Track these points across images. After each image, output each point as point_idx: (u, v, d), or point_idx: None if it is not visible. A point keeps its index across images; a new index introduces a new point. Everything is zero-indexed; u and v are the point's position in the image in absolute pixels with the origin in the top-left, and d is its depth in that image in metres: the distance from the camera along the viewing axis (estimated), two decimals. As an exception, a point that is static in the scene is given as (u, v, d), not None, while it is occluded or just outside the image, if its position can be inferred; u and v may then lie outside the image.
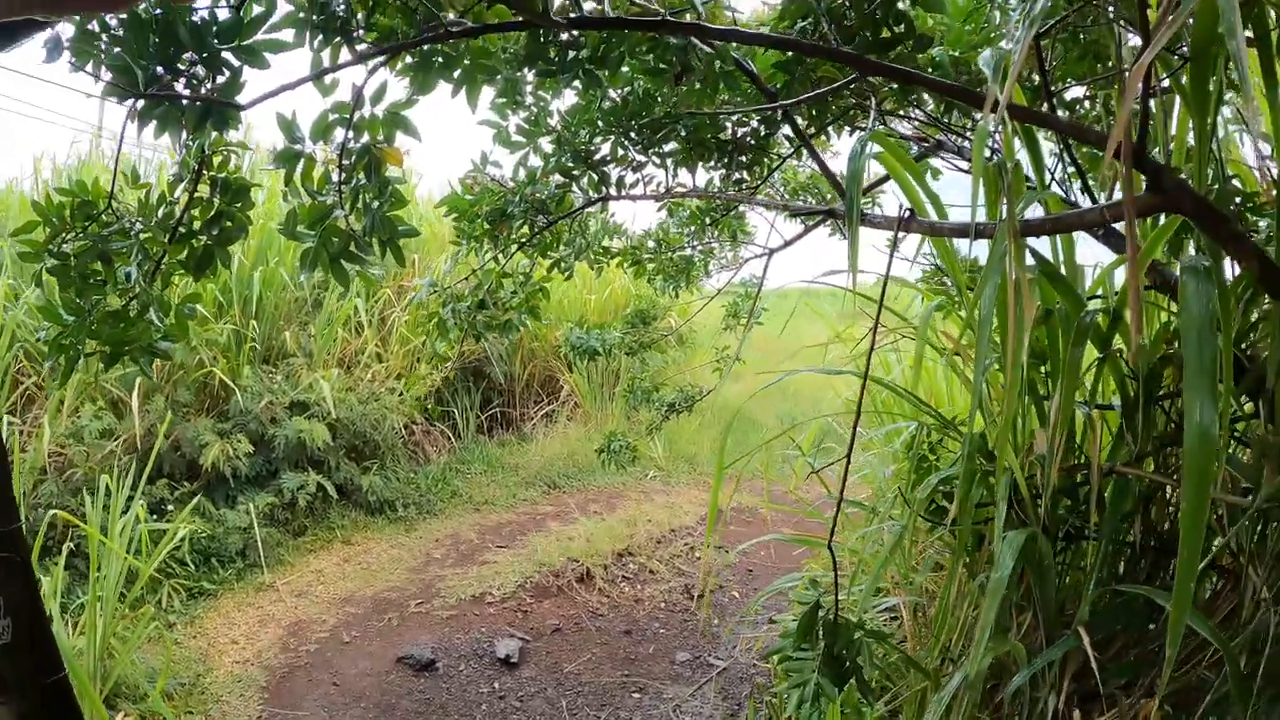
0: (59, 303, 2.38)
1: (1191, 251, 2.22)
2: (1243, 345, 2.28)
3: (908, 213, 2.27)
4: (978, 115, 2.31)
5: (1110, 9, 1.97)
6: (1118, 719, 2.04)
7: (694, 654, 5.02)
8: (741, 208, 4.29)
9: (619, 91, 3.12)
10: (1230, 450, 2.45)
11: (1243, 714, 1.69)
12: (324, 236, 2.46)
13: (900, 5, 2.11)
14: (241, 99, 2.11)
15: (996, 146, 2.50)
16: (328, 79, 2.29)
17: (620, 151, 3.37)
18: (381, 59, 2.27)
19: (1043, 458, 2.37)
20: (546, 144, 3.37)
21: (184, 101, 2.09)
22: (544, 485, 8.02)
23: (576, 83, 2.84)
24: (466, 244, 3.49)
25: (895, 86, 2.88)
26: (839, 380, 7.03)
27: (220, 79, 2.06)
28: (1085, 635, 1.97)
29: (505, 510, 7.38)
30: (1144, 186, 1.63)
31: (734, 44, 2.38)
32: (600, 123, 3.24)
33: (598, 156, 3.39)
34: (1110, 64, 2.53)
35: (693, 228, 4.40)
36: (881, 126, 3.68)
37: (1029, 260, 2.23)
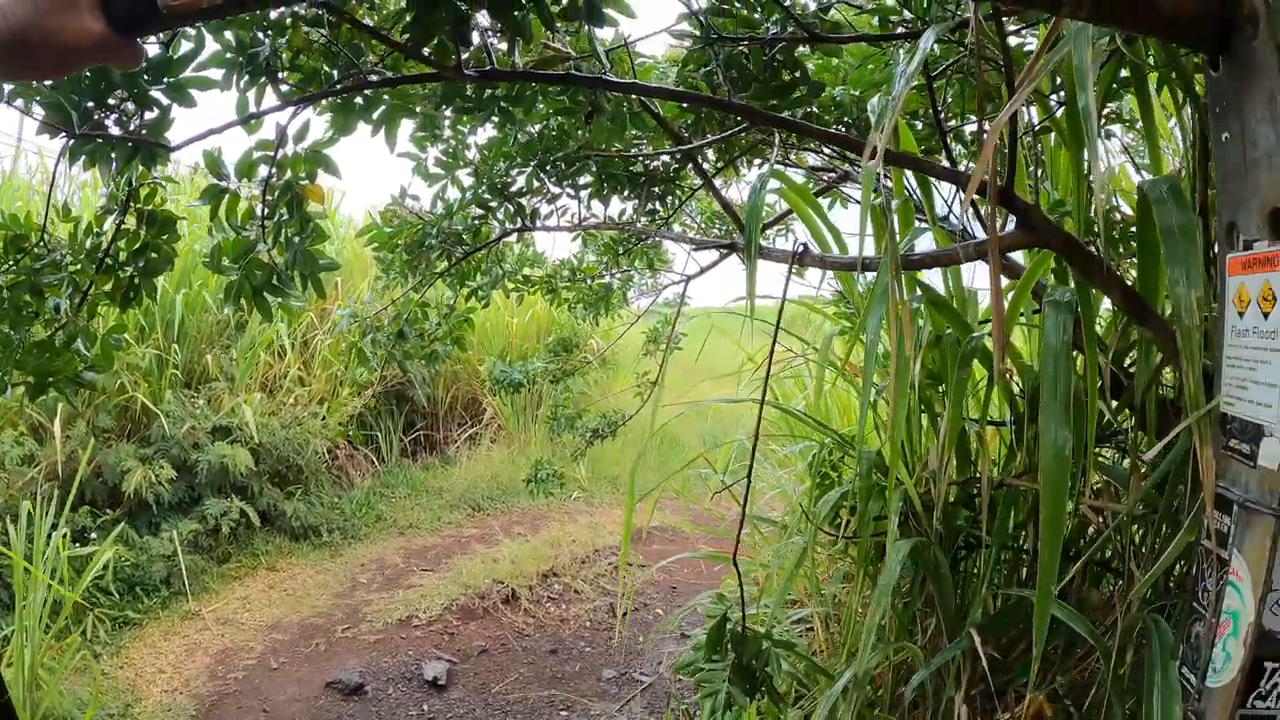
0: (-15, 333, 2.37)
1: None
2: (1124, 363, 2.45)
3: (801, 248, 2.41)
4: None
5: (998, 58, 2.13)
6: (1013, 715, 2.16)
7: (620, 671, 5.08)
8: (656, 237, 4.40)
9: (535, 127, 3.17)
10: (1114, 461, 2.64)
11: (1119, 705, 1.82)
12: (247, 270, 2.51)
13: (799, 51, 2.25)
14: (170, 135, 2.13)
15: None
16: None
17: (535, 184, 3.44)
18: (305, 104, 2.31)
19: (935, 472, 2.51)
20: (464, 176, 3.43)
21: (115, 139, 2.10)
22: (468, 508, 7.99)
23: (494, 118, 2.93)
24: (388, 275, 3.53)
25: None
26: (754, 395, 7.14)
27: (149, 115, 2.09)
28: (976, 636, 2.10)
29: (430, 534, 7.34)
30: (1015, 224, 1.78)
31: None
32: (517, 156, 3.30)
33: (514, 188, 3.46)
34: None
35: (606, 258, 4.49)
36: (793, 157, 3.84)
37: (917, 290, 2.38)
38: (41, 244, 2.42)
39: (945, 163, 2.35)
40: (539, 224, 3.64)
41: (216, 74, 2.09)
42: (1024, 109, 2.47)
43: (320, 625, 5.50)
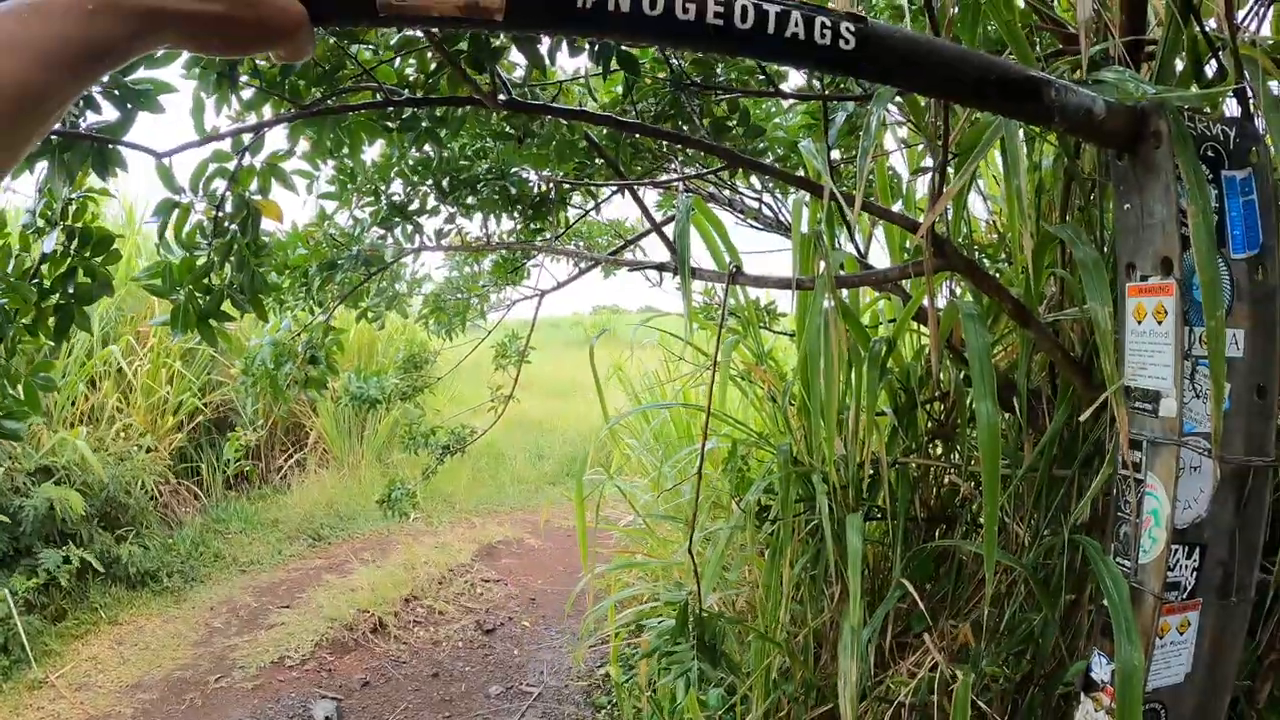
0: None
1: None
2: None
3: (734, 269, 2.93)
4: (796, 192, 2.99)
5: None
6: (936, 647, 2.74)
7: (505, 685, 5.42)
8: (541, 256, 4.75)
9: (433, 148, 3.34)
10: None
11: (1051, 614, 2.42)
12: (190, 294, 2.55)
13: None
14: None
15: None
16: (208, 125, 2.36)
17: (432, 203, 3.75)
18: (289, 120, 2.46)
19: (842, 458, 3.10)
20: (359, 195, 3.66)
21: (89, 143, 2.08)
22: (308, 538, 8.04)
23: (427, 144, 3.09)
24: (300, 300, 3.74)
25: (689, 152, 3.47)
26: (591, 408, 7.34)
27: (106, 117, 2.09)
28: (909, 584, 2.67)
29: (274, 568, 7.35)
30: (934, 253, 2.39)
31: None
32: (413, 175, 3.58)
33: (411, 208, 3.75)
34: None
35: (496, 276, 4.82)
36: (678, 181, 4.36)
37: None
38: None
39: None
40: (442, 243, 3.97)
41: (163, 74, 2.08)
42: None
43: (189, 679, 5.45)
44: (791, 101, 2.94)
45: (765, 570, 3.35)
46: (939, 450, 3.23)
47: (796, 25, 1.16)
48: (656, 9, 1.08)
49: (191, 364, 8.32)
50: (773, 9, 1.13)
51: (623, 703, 4.56)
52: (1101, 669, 1.60)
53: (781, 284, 2.78)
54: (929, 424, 3.23)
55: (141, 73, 2.04)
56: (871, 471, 3.13)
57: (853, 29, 1.20)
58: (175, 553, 7.06)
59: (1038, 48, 2.22)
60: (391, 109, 2.56)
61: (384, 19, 0.96)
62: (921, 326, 3.26)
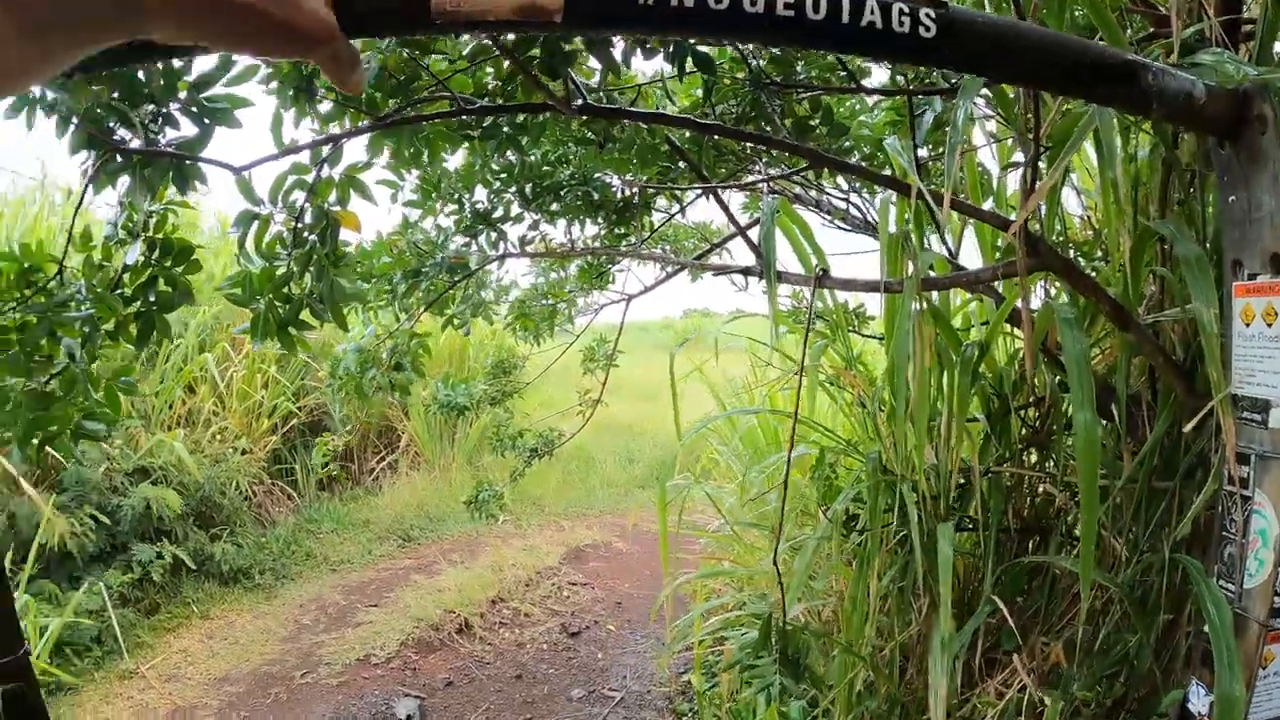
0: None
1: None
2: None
3: (821, 271, 2.88)
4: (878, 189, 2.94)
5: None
6: (1027, 667, 2.65)
7: (588, 689, 5.43)
8: (626, 261, 4.74)
9: (514, 155, 3.42)
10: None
11: (1147, 636, 2.32)
12: (270, 303, 2.61)
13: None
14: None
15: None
16: (286, 138, 2.45)
17: (515, 210, 3.77)
18: (363, 132, 2.52)
19: (933, 467, 3.02)
20: (442, 204, 3.72)
21: (168, 159, 2.15)
22: (398, 539, 8.19)
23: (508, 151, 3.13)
24: (384, 306, 3.81)
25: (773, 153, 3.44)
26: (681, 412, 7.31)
27: (182, 132, 2.15)
28: (1000, 601, 2.58)
29: (364, 568, 7.52)
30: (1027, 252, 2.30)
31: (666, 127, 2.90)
32: (496, 182, 3.61)
33: (495, 215, 3.77)
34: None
35: (581, 282, 4.85)
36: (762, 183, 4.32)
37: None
38: (57, 279, 2.38)
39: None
40: (526, 249, 3.99)
41: (241, 89, 2.13)
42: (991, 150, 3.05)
43: (275, 673, 5.58)
44: (876, 98, 2.87)
45: (852, 581, 3.27)
46: (1033, 458, 3.10)
47: (873, 13, 1.10)
48: (722, 3, 1.03)
49: (286, 369, 8.57)
50: (846, -4, 1.07)
51: (704, 711, 4.53)
52: (1199, 700, 1.51)
53: (870, 287, 2.72)
54: (1023, 431, 3.12)
55: (219, 89, 2.10)
56: (962, 480, 3.05)
57: (933, 15, 1.13)
58: (267, 551, 7.27)
59: (1128, 31, 2.12)
60: (472, 118, 2.63)
61: (439, 25, 0.93)
62: (1015, 329, 3.15)
